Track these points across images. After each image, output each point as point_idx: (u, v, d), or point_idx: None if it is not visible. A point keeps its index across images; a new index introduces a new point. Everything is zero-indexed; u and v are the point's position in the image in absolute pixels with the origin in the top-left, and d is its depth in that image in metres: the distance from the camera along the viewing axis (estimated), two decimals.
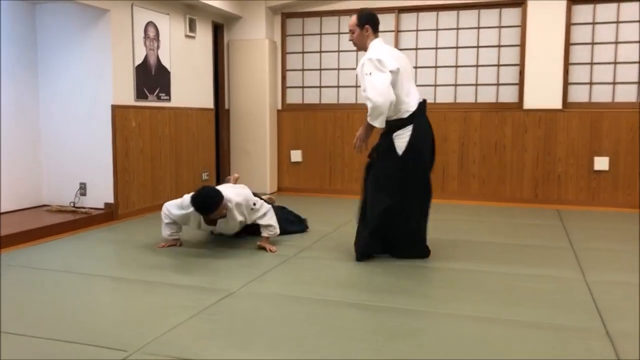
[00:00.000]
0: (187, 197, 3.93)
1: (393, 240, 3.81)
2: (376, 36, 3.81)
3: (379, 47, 3.72)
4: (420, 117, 3.73)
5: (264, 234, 4.09)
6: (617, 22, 5.99)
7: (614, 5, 5.98)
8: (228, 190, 3.96)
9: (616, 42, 6.01)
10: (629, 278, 3.42)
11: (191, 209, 3.86)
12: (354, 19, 3.80)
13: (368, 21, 3.76)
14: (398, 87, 3.63)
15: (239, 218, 4.00)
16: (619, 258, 3.91)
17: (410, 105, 3.69)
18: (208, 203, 3.75)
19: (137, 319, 2.74)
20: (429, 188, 3.85)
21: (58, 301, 3.00)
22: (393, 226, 3.75)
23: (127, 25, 5.31)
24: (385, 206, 3.69)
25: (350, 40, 3.85)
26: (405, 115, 3.69)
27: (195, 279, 3.38)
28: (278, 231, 4.14)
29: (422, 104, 3.78)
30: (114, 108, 5.17)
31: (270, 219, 4.10)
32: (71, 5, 5.03)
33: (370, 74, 3.60)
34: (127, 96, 5.36)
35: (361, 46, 3.82)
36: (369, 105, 3.61)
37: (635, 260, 3.83)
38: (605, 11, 6.01)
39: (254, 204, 4.06)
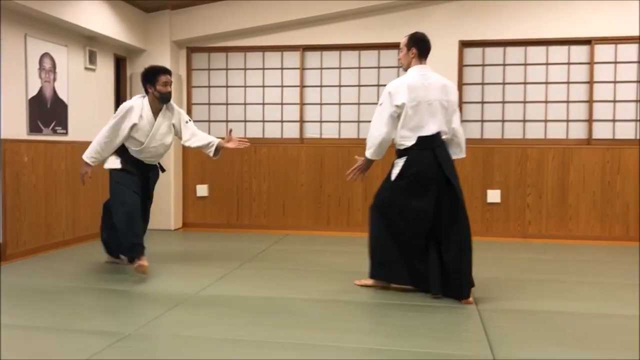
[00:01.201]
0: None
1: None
2: (421, 62, 3.88)
3: (410, 74, 3.83)
4: (421, 149, 3.72)
5: (211, 149, 4.50)
6: (504, 64, 6.46)
7: (500, 49, 6.45)
8: None
9: (504, 83, 6.47)
10: (519, 306, 3.62)
11: (135, 101, 4.33)
12: (405, 39, 3.93)
13: (416, 44, 3.89)
14: (404, 121, 3.72)
15: (173, 120, 4.43)
16: (509, 287, 4.14)
17: (409, 139, 3.74)
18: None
19: None
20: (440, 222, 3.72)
21: None
22: (402, 253, 3.80)
23: (19, 56, 5.09)
24: (376, 228, 3.94)
25: (398, 58, 4.03)
26: (402, 147, 3.80)
27: (84, 322, 3.22)
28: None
29: (430, 138, 3.73)
30: (4, 142, 4.90)
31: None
32: None
33: (381, 104, 3.82)
34: (19, 130, 5.10)
35: (405, 66, 3.94)
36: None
37: (526, 288, 4.07)
38: (494, 54, 6.47)
39: (187, 121, 4.52)
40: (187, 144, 4.56)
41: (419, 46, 3.88)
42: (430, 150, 3.73)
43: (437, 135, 3.75)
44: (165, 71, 4.35)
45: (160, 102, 4.35)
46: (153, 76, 4.29)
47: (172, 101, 4.45)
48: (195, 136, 4.54)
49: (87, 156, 4.44)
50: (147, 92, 4.36)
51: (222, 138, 4.59)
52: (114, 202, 4.41)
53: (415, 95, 3.71)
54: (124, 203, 4.28)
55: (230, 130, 4.66)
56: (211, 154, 4.56)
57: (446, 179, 3.70)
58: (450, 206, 3.68)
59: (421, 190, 3.72)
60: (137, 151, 4.39)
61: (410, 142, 3.75)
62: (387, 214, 3.85)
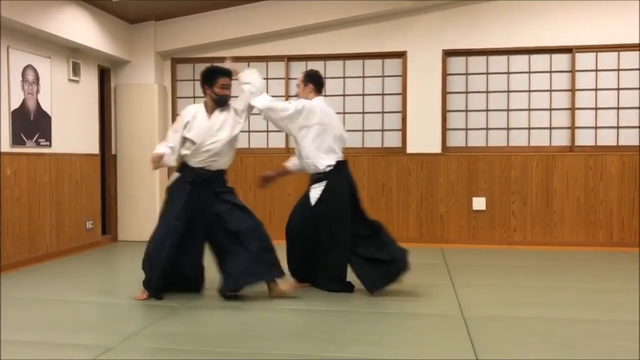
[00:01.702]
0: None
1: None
2: (318, 94, 4.28)
3: (317, 103, 4.18)
4: (337, 174, 4.13)
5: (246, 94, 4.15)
6: (487, 73, 6.52)
7: (483, 58, 6.52)
8: None
9: (487, 92, 6.53)
10: (504, 312, 3.64)
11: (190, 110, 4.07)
12: (301, 76, 4.30)
13: (312, 80, 4.28)
14: (318, 141, 4.10)
15: (230, 116, 4.10)
16: (495, 293, 4.16)
17: (323, 164, 4.11)
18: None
19: None
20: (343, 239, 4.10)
21: None
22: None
23: (2, 68, 5.05)
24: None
25: (296, 94, 4.31)
26: (320, 170, 4.12)
27: (71, 335, 3.19)
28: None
29: (342, 164, 4.21)
30: None
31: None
32: None
33: (290, 102, 4.22)
34: (2, 142, 5.05)
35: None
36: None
37: (511, 295, 4.10)
38: (477, 63, 6.54)
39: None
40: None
41: (315, 81, 4.29)
42: (344, 174, 4.20)
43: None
44: (225, 73, 4.06)
45: (216, 104, 4.05)
46: (212, 77, 4.04)
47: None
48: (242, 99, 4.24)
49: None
50: (204, 93, 4.10)
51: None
52: (157, 224, 4.05)
53: (326, 121, 4.16)
54: (154, 238, 3.99)
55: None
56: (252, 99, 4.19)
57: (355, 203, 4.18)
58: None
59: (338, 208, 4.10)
60: (194, 154, 3.99)
61: (327, 166, 4.12)
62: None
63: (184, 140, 3.99)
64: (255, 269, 3.86)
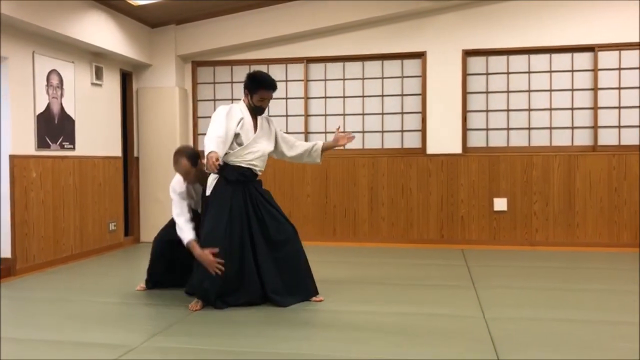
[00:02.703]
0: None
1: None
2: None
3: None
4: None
5: (315, 153, 4.19)
6: (508, 72, 6.47)
7: (504, 58, 6.47)
8: None
9: (508, 91, 6.48)
10: (525, 314, 3.61)
11: (237, 109, 3.90)
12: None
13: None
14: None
15: (271, 128, 4.08)
16: (516, 295, 4.12)
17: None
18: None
19: None
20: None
21: None
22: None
23: (27, 73, 5.16)
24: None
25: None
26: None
27: (96, 334, 3.24)
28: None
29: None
30: (12, 158, 4.96)
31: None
32: None
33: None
34: (27, 146, 5.16)
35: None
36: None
37: (532, 297, 4.06)
38: (497, 63, 6.49)
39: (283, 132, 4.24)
40: (289, 154, 4.17)
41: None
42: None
43: None
44: (269, 87, 3.91)
45: (252, 112, 3.95)
46: (255, 87, 3.89)
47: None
48: (295, 145, 4.19)
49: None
50: (245, 94, 3.96)
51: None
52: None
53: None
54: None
55: (338, 127, 4.40)
56: (317, 159, 4.22)
57: None
58: None
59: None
60: (241, 151, 3.86)
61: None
62: None
63: (236, 135, 3.82)
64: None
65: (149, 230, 6.84)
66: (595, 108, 6.28)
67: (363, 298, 4.03)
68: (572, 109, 6.36)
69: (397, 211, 6.61)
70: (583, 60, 6.32)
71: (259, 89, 3.88)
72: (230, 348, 3.01)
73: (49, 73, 5.42)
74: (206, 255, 3.65)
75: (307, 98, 6.86)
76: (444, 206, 6.52)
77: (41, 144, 5.30)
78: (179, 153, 4.03)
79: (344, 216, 6.72)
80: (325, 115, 6.84)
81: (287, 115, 6.93)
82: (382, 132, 6.73)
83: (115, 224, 6.42)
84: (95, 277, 4.92)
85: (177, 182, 4.04)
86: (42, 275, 4.96)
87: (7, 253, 4.95)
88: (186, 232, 3.82)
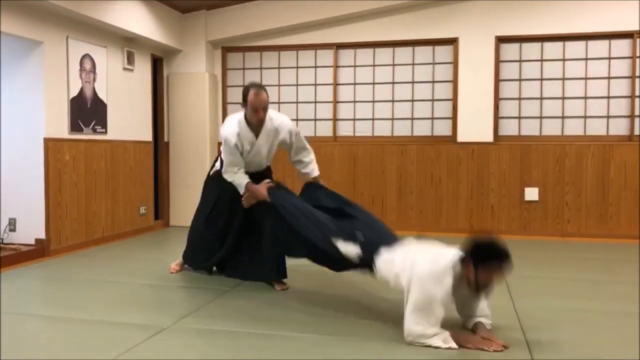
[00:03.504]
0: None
1: None
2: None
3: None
4: None
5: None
6: (542, 60, 6.34)
7: (538, 45, 6.33)
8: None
9: (541, 79, 6.34)
10: (556, 304, 3.56)
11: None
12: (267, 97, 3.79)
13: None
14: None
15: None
16: (546, 285, 4.06)
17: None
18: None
19: (63, 359, 2.64)
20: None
21: None
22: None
23: (62, 58, 5.23)
24: None
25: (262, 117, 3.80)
26: None
27: (127, 315, 3.29)
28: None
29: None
30: (47, 141, 5.04)
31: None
32: (2, 36, 4.92)
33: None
34: (61, 129, 5.24)
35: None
36: (313, 156, 4.11)
37: (563, 287, 4.00)
38: (531, 50, 6.36)
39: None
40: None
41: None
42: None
43: None
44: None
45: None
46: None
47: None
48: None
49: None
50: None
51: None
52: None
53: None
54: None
55: None
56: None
57: None
58: None
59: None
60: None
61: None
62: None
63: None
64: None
65: (178, 215, 6.93)
66: (632, 97, 6.11)
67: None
68: (609, 97, 6.20)
69: (426, 199, 6.55)
70: (621, 47, 6.15)
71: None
72: (261, 331, 3.03)
73: (82, 57, 5.49)
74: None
75: (336, 84, 6.83)
76: (474, 195, 6.44)
77: (74, 127, 5.38)
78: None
79: (372, 204, 6.69)
80: (355, 102, 6.80)
81: (316, 102, 6.90)
82: (412, 119, 6.66)
83: (146, 208, 6.51)
84: (126, 260, 5.00)
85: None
86: (74, 257, 5.06)
87: (41, 234, 5.05)
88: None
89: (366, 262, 3.17)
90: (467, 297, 2.92)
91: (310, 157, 4.10)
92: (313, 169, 4.09)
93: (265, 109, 3.75)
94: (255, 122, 3.78)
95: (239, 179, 3.84)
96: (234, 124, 3.81)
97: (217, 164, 4.14)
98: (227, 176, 3.87)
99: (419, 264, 2.87)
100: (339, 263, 3.36)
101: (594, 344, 2.85)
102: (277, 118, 3.97)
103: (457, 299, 2.89)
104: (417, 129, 6.65)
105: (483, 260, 2.72)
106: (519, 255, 5.08)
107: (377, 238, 3.26)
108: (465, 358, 2.67)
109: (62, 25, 5.22)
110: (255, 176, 3.93)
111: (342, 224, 3.38)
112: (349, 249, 3.21)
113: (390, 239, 3.26)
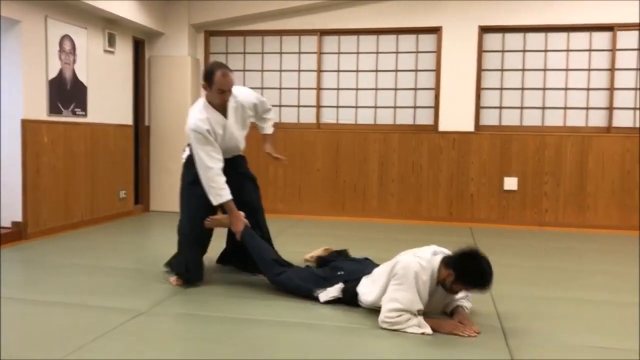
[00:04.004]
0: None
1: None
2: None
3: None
4: None
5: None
6: (524, 50, 6.38)
7: (520, 35, 6.37)
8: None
9: (523, 70, 6.39)
10: (532, 292, 3.61)
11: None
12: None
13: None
14: None
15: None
16: (523, 273, 4.12)
17: None
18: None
19: (40, 342, 2.63)
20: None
21: None
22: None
23: (40, 38, 5.14)
24: None
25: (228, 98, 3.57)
26: None
27: (105, 298, 3.28)
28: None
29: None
30: (25, 123, 4.97)
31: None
32: None
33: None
34: (39, 111, 5.17)
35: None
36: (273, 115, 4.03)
37: (540, 275, 4.06)
38: (514, 40, 6.40)
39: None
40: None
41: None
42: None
43: None
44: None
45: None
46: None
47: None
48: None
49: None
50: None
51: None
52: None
53: None
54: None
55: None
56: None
57: None
58: None
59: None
60: None
61: None
62: None
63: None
64: None
65: (159, 199, 6.89)
66: (611, 89, 6.18)
67: None
68: (588, 89, 6.27)
69: (407, 188, 6.59)
70: (601, 39, 6.21)
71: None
72: (240, 315, 3.03)
73: (62, 38, 5.40)
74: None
75: (320, 71, 6.81)
76: (454, 184, 6.49)
77: (53, 109, 5.31)
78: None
79: (354, 191, 6.71)
80: (338, 89, 6.80)
81: (299, 88, 6.88)
82: (395, 107, 6.67)
83: (126, 192, 6.46)
84: (105, 244, 4.97)
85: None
86: (52, 240, 5.01)
87: (18, 217, 4.99)
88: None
89: (350, 295, 3.19)
90: (441, 295, 2.96)
91: (271, 115, 4.02)
92: (269, 127, 4.00)
93: (230, 91, 3.52)
94: (220, 103, 3.53)
95: (221, 188, 3.45)
96: (199, 111, 3.53)
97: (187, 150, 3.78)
98: (207, 182, 3.44)
99: (401, 259, 2.91)
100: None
101: (569, 331, 2.90)
102: (240, 93, 3.71)
103: (430, 296, 2.91)
104: (399, 118, 6.67)
105: (466, 280, 2.79)
106: (497, 244, 5.18)
107: (360, 268, 3.33)
108: (438, 343, 2.70)
109: (41, 4, 5.13)
110: (229, 163, 3.60)
111: (324, 272, 3.40)
112: (330, 293, 3.23)
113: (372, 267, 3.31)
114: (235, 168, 3.75)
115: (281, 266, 3.47)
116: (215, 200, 3.46)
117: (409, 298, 2.79)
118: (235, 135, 3.68)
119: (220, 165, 3.48)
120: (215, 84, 3.45)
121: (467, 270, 2.77)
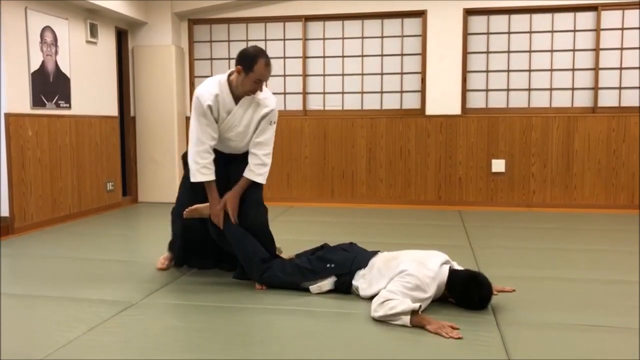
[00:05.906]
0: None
1: None
2: None
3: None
4: None
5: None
6: (509, 32, 6.38)
7: (505, 17, 6.37)
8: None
9: (508, 52, 6.40)
10: (522, 272, 3.65)
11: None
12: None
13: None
14: None
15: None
16: (513, 255, 4.16)
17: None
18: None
19: (30, 336, 2.61)
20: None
21: None
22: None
23: (20, 29, 5.06)
24: None
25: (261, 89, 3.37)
26: None
27: (95, 291, 3.26)
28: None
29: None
30: (8, 116, 4.91)
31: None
32: None
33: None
34: (23, 104, 5.10)
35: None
36: (267, 168, 3.50)
37: (529, 256, 4.10)
38: (499, 22, 6.39)
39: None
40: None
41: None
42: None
43: None
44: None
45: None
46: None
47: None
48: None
49: None
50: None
51: None
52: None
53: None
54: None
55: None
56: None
57: None
58: None
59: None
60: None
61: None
62: None
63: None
64: None
65: (147, 191, 6.85)
66: (596, 69, 6.21)
67: None
68: (573, 69, 6.30)
69: (395, 172, 6.60)
70: (585, 19, 6.23)
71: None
72: (231, 304, 3.03)
73: (43, 30, 5.32)
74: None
75: (305, 57, 6.77)
76: (442, 167, 6.51)
77: (36, 102, 5.24)
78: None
79: (342, 177, 6.72)
80: (324, 75, 6.77)
81: (285, 75, 6.85)
82: (381, 92, 6.66)
83: (113, 184, 6.41)
84: (94, 236, 4.94)
85: None
86: (40, 234, 4.98)
87: (5, 212, 4.95)
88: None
89: (344, 287, 3.16)
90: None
91: (267, 160, 3.52)
92: (259, 174, 3.46)
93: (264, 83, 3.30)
94: (248, 91, 3.27)
95: (205, 167, 3.26)
96: (213, 84, 3.31)
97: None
98: (193, 157, 3.27)
99: (408, 269, 2.89)
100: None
101: (559, 310, 2.93)
102: (267, 96, 3.46)
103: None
104: (386, 103, 6.66)
105: (467, 306, 2.92)
106: (486, 226, 5.22)
107: (349, 256, 3.24)
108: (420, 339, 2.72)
109: None
110: (234, 157, 3.46)
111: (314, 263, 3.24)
112: (324, 287, 3.17)
113: (367, 254, 3.27)
114: (242, 160, 3.48)
115: (264, 263, 3.30)
116: (195, 178, 3.27)
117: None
118: (235, 128, 3.38)
119: (211, 143, 3.30)
120: (254, 72, 3.20)
121: (469, 298, 2.92)
